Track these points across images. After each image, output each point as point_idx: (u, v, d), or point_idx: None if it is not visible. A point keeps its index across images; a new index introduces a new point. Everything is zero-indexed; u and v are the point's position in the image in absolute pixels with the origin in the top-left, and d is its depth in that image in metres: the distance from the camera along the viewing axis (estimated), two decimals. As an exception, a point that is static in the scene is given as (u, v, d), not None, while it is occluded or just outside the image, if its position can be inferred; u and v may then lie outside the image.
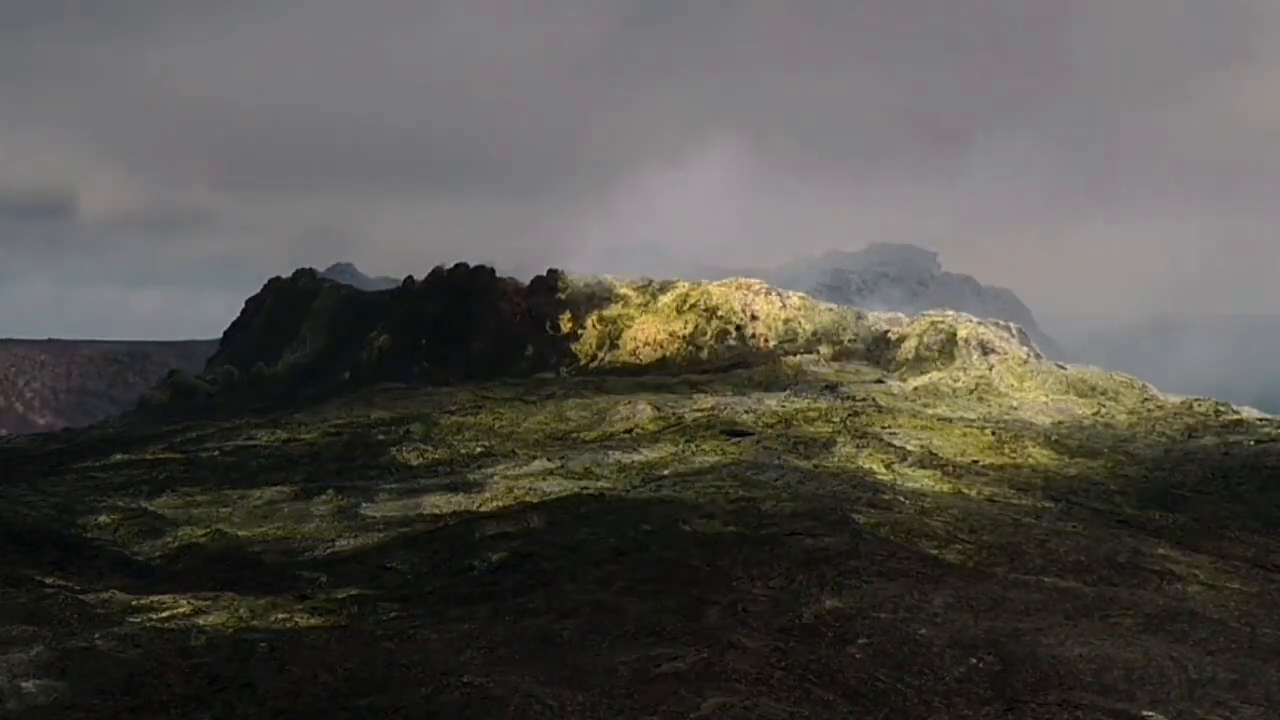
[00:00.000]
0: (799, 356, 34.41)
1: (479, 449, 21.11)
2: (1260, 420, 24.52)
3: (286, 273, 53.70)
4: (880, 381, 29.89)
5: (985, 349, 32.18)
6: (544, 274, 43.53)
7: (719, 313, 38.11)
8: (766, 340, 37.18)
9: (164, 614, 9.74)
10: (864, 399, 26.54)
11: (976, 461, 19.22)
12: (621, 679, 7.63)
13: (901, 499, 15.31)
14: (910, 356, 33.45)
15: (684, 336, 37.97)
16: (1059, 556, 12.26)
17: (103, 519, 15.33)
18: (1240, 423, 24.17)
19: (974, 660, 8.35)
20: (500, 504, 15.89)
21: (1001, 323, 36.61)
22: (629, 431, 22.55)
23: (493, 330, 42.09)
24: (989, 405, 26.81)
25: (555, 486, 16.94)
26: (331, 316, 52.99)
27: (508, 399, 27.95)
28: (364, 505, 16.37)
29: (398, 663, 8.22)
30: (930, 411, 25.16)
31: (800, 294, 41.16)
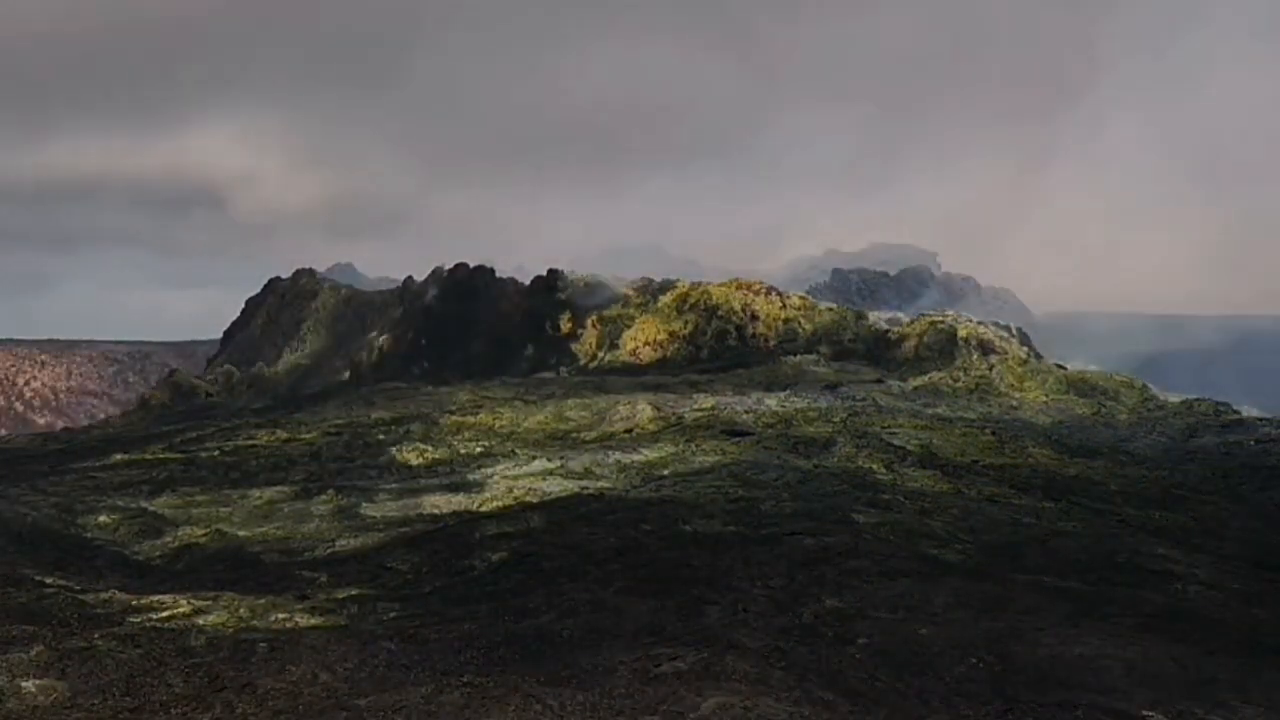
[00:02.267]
0: (799, 356, 34.43)
1: (479, 449, 21.11)
2: (1260, 420, 24.55)
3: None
4: (880, 381, 29.90)
5: (985, 349, 32.22)
6: (544, 274, 43.59)
7: (719, 313, 38.11)
8: (766, 340, 37.20)
9: (164, 614, 9.74)
10: (864, 399, 26.54)
11: (976, 461, 19.22)
12: (621, 679, 7.62)
13: (901, 499, 15.30)
14: (910, 356, 33.48)
15: (684, 336, 37.99)
16: (1059, 556, 12.25)
17: (103, 519, 15.33)
18: (1240, 423, 24.19)
19: (974, 660, 8.35)
20: (500, 504, 15.89)
21: (1001, 323, 36.66)
22: (629, 431, 22.55)
23: (493, 330, 42.13)
24: (989, 405, 26.81)
25: (555, 486, 16.93)
26: (331, 316, 53.07)
27: (508, 399, 27.97)
28: (364, 505, 16.38)
29: (398, 663, 8.21)
30: (930, 411, 25.16)
31: (800, 294, 41.26)
